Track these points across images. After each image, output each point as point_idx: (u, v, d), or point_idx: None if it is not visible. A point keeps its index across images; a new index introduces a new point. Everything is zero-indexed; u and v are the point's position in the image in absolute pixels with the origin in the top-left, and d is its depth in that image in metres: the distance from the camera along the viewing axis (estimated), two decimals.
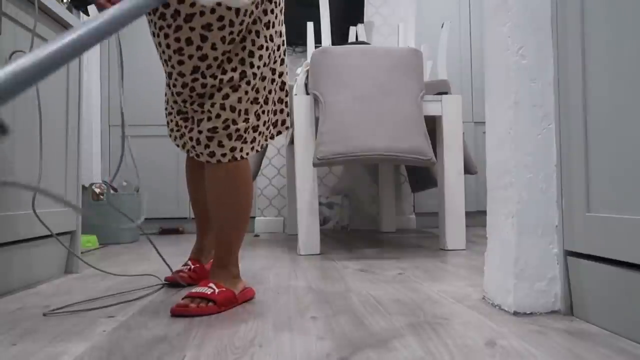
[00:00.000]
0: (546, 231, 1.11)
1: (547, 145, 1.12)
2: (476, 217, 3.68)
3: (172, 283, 1.49)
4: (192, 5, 1.17)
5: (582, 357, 0.82)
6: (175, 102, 1.29)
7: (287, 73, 1.42)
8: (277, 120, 1.39)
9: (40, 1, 1.52)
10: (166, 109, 1.39)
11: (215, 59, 1.21)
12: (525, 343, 0.90)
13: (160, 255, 1.37)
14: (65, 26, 1.74)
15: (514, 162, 1.11)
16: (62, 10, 1.66)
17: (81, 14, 2.94)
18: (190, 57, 1.21)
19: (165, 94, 1.39)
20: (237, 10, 1.19)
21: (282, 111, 1.40)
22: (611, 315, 0.95)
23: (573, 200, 1.05)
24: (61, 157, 1.73)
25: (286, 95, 1.41)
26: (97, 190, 2.83)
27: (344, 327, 1.02)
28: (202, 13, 1.17)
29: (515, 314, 1.09)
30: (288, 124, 1.43)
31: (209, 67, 1.22)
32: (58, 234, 1.71)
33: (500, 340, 0.92)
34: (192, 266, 1.52)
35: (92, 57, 3.36)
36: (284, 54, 1.39)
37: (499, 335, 0.95)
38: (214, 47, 1.20)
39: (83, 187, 2.87)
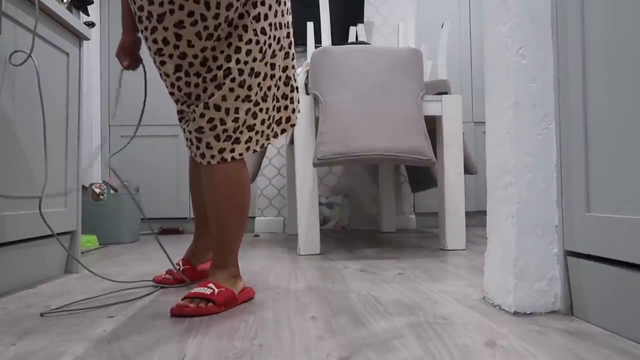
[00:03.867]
0: (546, 231, 1.11)
1: (547, 145, 1.12)
2: (476, 217, 3.68)
3: (163, 284, 1.50)
4: (161, 4, 1.16)
5: (582, 357, 0.82)
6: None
7: (294, 67, 1.36)
8: (281, 118, 1.34)
9: (41, 1, 1.52)
10: None
11: (195, 56, 1.19)
12: (525, 343, 0.90)
13: (167, 255, 1.37)
14: (65, 26, 1.74)
15: (514, 162, 1.11)
16: (62, 10, 1.67)
17: (81, 13, 2.94)
18: (171, 56, 1.20)
19: None
20: (207, 4, 1.15)
21: (286, 108, 1.35)
22: (611, 315, 0.95)
23: (573, 200, 1.05)
24: (61, 157, 1.73)
25: (292, 91, 1.35)
26: (97, 190, 2.83)
27: (344, 327, 1.02)
28: (171, 11, 1.16)
29: (515, 314, 1.09)
30: (295, 121, 1.37)
31: (191, 65, 1.20)
32: (58, 234, 1.71)
33: (500, 340, 0.92)
34: (182, 267, 1.52)
35: (92, 57, 3.36)
36: (290, 47, 1.33)
37: (499, 335, 0.95)
38: (190, 45, 1.18)
39: (83, 187, 2.87)
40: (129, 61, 1.46)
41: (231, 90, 1.21)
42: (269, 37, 1.25)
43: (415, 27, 2.46)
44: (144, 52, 3.48)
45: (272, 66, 1.28)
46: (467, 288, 1.40)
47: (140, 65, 1.54)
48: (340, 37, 3.53)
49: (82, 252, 2.35)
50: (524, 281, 1.10)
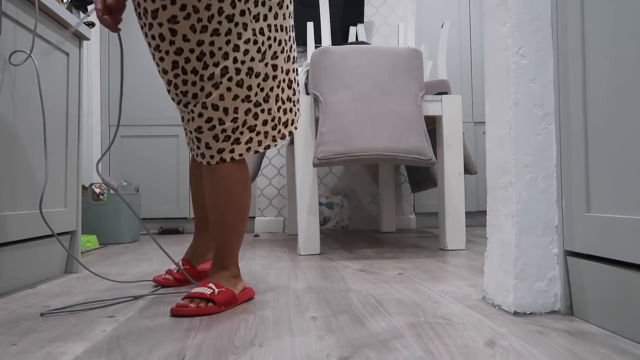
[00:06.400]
0: (546, 231, 1.11)
1: (547, 145, 1.12)
2: (476, 217, 3.68)
3: (163, 284, 1.50)
4: (153, 1, 1.17)
5: (582, 357, 0.82)
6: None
7: (295, 70, 1.35)
8: (287, 120, 1.33)
9: (40, 1, 1.52)
10: None
11: (192, 50, 1.19)
12: (525, 343, 0.90)
13: (167, 253, 1.37)
14: (65, 26, 1.74)
15: (514, 162, 1.11)
16: (62, 10, 1.67)
17: (81, 13, 2.94)
18: (167, 52, 1.21)
19: None
20: None
21: (291, 110, 1.35)
22: (611, 315, 0.95)
23: (573, 200, 1.05)
24: (61, 157, 1.73)
25: (294, 94, 1.35)
26: (97, 190, 2.83)
27: (344, 327, 1.02)
28: (164, 7, 1.17)
29: (515, 314, 1.09)
30: (297, 124, 1.38)
31: (187, 60, 1.20)
32: (58, 234, 1.71)
33: (500, 340, 0.92)
34: (182, 267, 1.52)
35: (92, 57, 3.36)
36: (292, 51, 1.33)
37: (499, 335, 0.95)
38: (185, 39, 1.18)
39: (83, 187, 2.87)
40: (103, 7, 1.25)
41: (229, 89, 1.20)
42: (268, 39, 1.25)
43: (415, 27, 2.46)
44: (141, 52, 3.48)
45: (274, 67, 1.27)
46: (467, 288, 1.40)
47: (120, 54, 1.46)
48: (340, 37, 3.53)
49: (82, 252, 2.35)
50: (524, 281, 1.10)
